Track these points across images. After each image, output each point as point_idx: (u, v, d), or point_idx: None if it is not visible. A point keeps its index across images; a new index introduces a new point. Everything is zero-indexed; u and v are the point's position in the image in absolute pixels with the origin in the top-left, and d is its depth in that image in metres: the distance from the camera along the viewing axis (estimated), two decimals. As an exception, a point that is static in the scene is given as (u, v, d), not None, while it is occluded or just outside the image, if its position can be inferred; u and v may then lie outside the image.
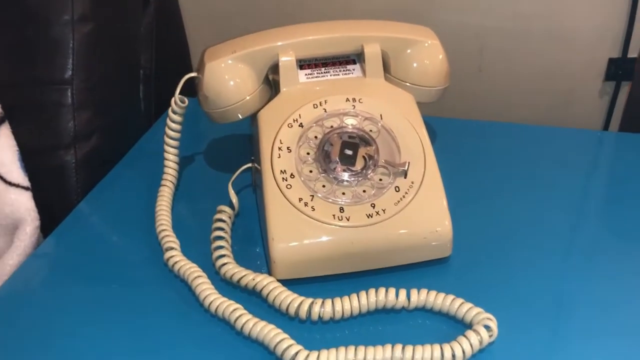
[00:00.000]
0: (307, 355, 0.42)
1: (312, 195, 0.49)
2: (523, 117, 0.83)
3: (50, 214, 0.61)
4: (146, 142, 0.70)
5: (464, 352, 0.43)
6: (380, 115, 0.53)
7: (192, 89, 0.58)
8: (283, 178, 0.50)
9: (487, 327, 0.44)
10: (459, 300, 0.46)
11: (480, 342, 0.43)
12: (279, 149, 0.51)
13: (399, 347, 0.43)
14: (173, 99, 0.58)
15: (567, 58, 0.77)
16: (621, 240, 0.54)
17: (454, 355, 0.43)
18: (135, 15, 0.72)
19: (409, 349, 0.43)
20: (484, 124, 0.72)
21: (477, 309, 0.45)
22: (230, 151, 0.68)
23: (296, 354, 0.43)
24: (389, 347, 0.43)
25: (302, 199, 0.49)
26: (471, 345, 0.43)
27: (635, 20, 0.73)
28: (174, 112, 0.59)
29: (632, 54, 0.75)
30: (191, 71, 0.58)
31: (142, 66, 0.74)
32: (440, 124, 0.67)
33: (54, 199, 0.63)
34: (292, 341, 0.43)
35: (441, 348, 0.43)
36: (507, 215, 0.57)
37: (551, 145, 0.67)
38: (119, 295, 0.50)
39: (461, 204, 0.52)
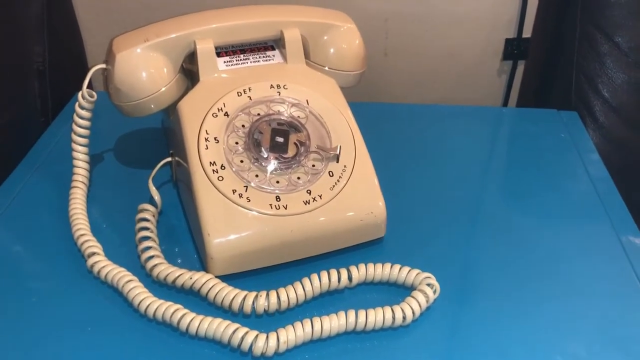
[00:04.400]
0: (267, 337, 0.42)
1: (246, 186, 0.48)
2: (427, 97, 0.85)
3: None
4: (46, 141, 0.64)
5: (413, 312, 0.44)
6: (307, 100, 0.52)
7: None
8: (213, 170, 0.48)
9: (430, 285, 0.46)
10: (397, 266, 0.48)
11: (427, 300, 0.45)
12: (206, 139, 0.49)
13: (352, 312, 0.43)
14: (80, 93, 0.54)
15: (466, 40, 0.81)
16: (522, 200, 0.59)
17: (404, 317, 0.44)
18: (22, 4, 0.65)
19: (362, 313, 0.44)
20: (393, 106, 0.74)
21: (416, 271, 0.47)
22: (142, 146, 0.64)
23: (255, 338, 0.42)
24: (342, 313, 0.43)
25: (236, 191, 0.47)
26: (419, 304, 0.45)
27: (527, 3, 0.78)
28: (82, 108, 0.55)
29: (526, 34, 0.79)
30: (86, 64, 0.53)
31: (35, 61, 0.68)
32: (353, 108, 0.68)
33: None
34: (246, 328, 0.42)
35: (392, 310, 0.44)
36: (429, 191, 0.59)
37: (459, 123, 0.70)
38: (41, 310, 0.46)
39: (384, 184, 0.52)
